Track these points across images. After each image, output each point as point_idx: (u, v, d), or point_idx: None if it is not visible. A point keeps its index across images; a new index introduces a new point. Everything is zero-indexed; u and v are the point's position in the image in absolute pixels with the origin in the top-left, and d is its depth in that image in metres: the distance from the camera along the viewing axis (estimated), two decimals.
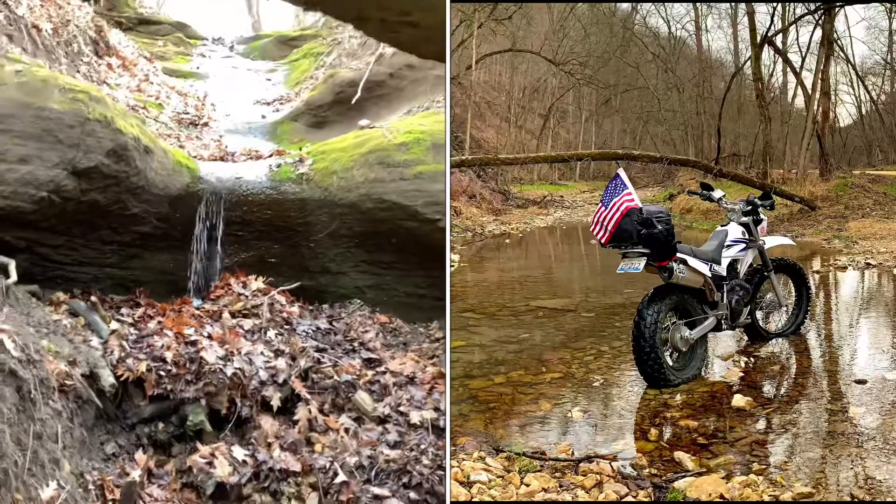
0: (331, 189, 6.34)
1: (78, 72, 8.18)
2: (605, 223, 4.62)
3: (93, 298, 5.33)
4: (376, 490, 4.22)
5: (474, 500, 3.32)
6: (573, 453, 3.76)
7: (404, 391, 5.12)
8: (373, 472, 4.34)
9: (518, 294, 8.30)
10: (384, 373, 5.33)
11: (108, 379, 4.47)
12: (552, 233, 15.57)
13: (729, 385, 4.69)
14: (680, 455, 3.62)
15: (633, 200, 4.55)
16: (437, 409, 4.94)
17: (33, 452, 3.50)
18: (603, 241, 4.69)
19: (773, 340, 5.59)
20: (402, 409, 4.94)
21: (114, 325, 5.07)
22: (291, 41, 13.76)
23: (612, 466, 3.52)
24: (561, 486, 3.40)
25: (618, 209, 4.56)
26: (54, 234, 5.54)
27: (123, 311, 5.46)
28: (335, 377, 5.09)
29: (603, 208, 4.63)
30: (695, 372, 4.81)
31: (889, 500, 3.14)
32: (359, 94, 9.69)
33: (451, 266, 9.26)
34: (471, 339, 6.03)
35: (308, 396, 4.91)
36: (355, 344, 5.73)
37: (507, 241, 13.56)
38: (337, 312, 6.22)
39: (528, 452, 3.72)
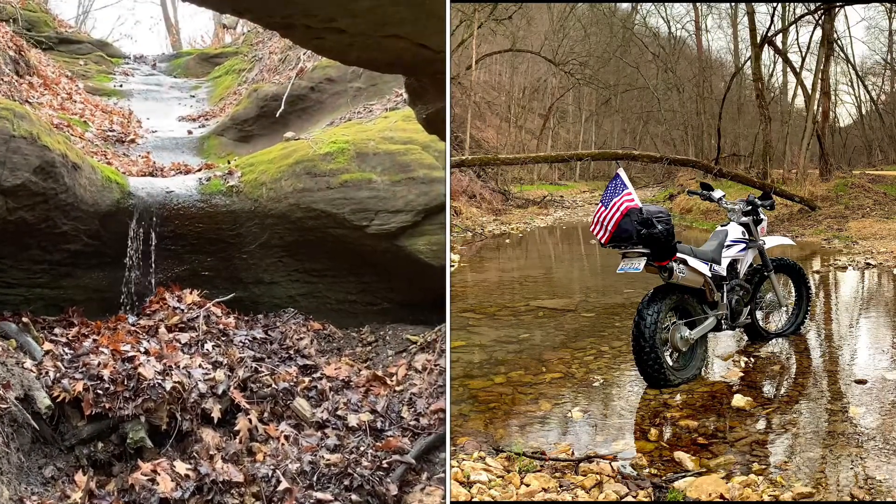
0: (260, 200, 6.40)
1: None
2: (605, 223, 4.61)
3: (24, 319, 5.26)
4: (319, 495, 4.23)
5: (474, 500, 3.31)
6: (573, 453, 3.75)
7: (341, 395, 5.19)
8: (314, 478, 4.36)
9: (518, 294, 8.29)
10: (320, 378, 5.38)
11: (43, 401, 4.38)
12: (552, 233, 15.57)
13: (729, 385, 4.68)
14: (680, 455, 3.61)
15: (633, 200, 4.54)
16: (373, 412, 5.00)
17: None
18: (603, 241, 4.68)
19: (773, 340, 5.59)
20: (339, 413, 5.00)
21: (47, 345, 4.99)
22: (213, 58, 13.88)
23: (612, 466, 3.52)
24: (561, 486, 3.40)
25: (618, 209, 4.55)
26: None
27: (57, 331, 5.38)
28: (273, 385, 5.12)
29: (603, 208, 4.62)
30: (695, 372, 4.80)
31: (889, 500, 3.14)
32: (282, 107, 9.82)
33: (451, 266, 9.26)
34: (471, 339, 6.03)
35: (247, 406, 4.91)
36: (291, 351, 5.79)
37: (507, 241, 13.57)
38: (272, 321, 6.29)
39: (528, 452, 3.72)
